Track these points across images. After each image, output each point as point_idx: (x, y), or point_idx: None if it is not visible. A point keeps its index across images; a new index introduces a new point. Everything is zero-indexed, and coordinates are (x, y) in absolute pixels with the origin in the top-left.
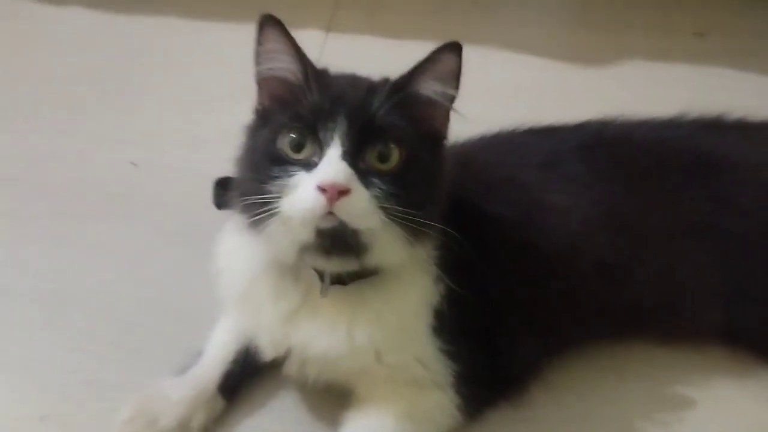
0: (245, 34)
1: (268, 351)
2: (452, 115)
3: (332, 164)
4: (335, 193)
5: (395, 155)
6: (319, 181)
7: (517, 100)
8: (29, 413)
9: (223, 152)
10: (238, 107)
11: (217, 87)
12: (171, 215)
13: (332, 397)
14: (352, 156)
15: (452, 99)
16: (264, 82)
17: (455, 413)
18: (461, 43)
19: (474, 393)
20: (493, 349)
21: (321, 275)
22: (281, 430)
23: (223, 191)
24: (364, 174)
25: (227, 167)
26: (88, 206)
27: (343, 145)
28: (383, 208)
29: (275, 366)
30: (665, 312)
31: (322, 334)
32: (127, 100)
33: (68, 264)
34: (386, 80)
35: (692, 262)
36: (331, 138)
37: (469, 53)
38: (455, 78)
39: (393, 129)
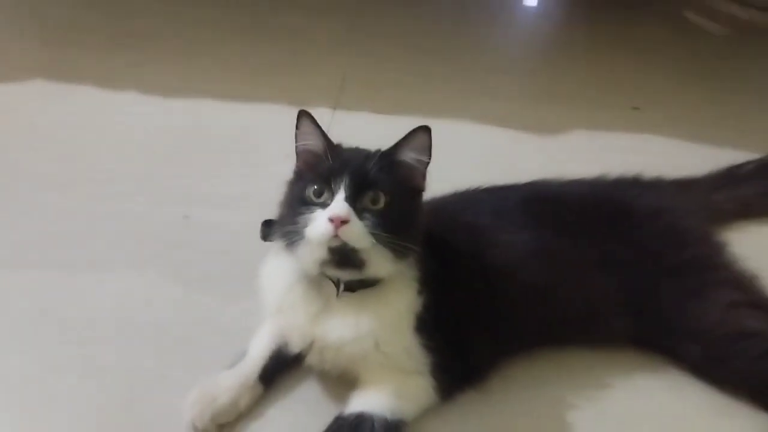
0: (269, 112)
1: (297, 344)
2: (428, 175)
3: (338, 204)
4: (339, 222)
5: (382, 200)
6: (329, 214)
7: (483, 164)
8: (117, 400)
9: (254, 207)
10: (264, 172)
11: (247, 155)
12: (217, 257)
13: (343, 384)
14: (352, 199)
15: (426, 164)
16: (300, 153)
17: (432, 394)
18: (430, 126)
19: (446, 379)
20: (460, 347)
21: (336, 284)
22: (305, 408)
23: (267, 228)
24: (360, 211)
25: (264, 214)
26: (150, 251)
27: (346, 191)
28: (373, 234)
29: (301, 361)
30: (584, 323)
31: (336, 326)
32: (177, 168)
33: (140, 296)
34: (378, 151)
35: (604, 285)
36: (339, 188)
37: (446, 126)
38: (427, 149)
39: (380, 182)
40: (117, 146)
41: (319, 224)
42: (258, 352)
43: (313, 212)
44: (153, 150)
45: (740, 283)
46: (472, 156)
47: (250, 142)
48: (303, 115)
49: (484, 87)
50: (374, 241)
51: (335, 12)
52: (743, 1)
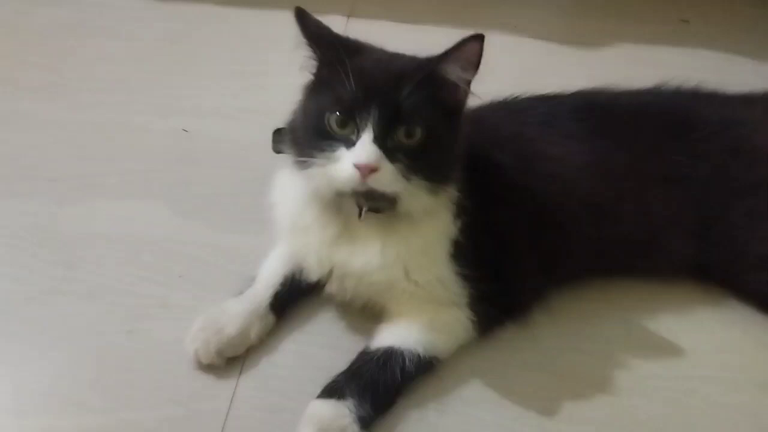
0: (274, 19)
1: (314, 271)
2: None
3: (365, 148)
4: (367, 170)
5: (418, 133)
6: (355, 160)
7: (520, 79)
8: (116, 329)
9: (262, 120)
10: (273, 83)
11: (250, 65)
12: (221, 174)
13: (367, 315)
14: (382, 138)
15: (470, 82)
16: (310, 63)
17: (469, 328)
18: (483, 34)
19: (485, 312)
20: (502, 277)
21: (359, 205)
22: (323, 342)
23: (280, 139)
24: (391, 151)
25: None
26: (149, 165)
27: (374, 130)
28: (406, 177)
29: (318, 289)
30: (644, 247)
31: (358, 252)
32: (177, 78)
33: (139, 213)
34: (415, 66)
35: (666, 205)
36: (365, 125)
37: None
38: (476, 65)
39: (417, 113)
40: (112, 54)
41: (343, 168)
42: (269, 277)
43: (335, 150)
44: (147, 58)
45: None
46: (504, 71)
47: (256, 51)
48: (300, 17)
49: None
50: (408, 184)
51: None
52: None
